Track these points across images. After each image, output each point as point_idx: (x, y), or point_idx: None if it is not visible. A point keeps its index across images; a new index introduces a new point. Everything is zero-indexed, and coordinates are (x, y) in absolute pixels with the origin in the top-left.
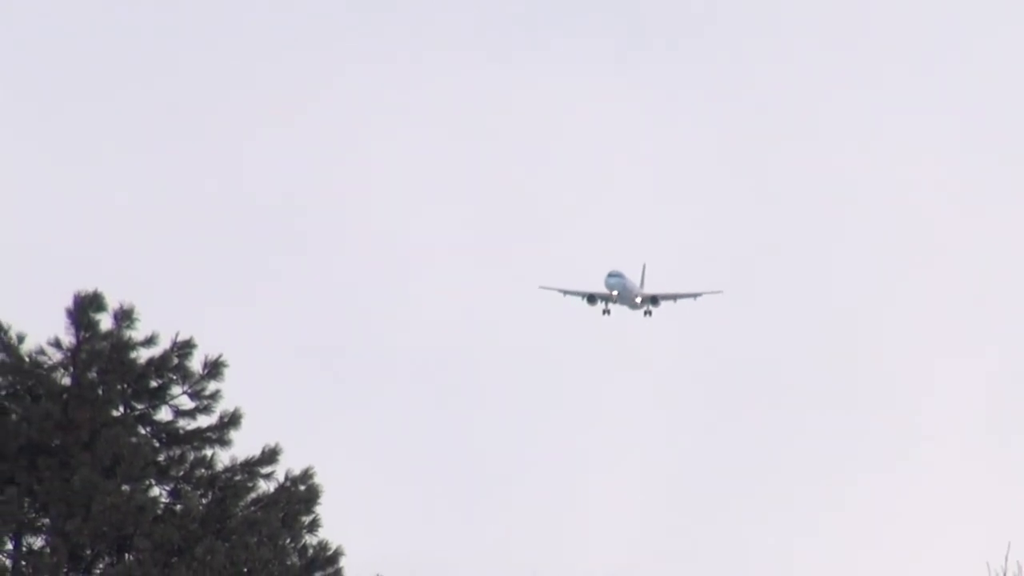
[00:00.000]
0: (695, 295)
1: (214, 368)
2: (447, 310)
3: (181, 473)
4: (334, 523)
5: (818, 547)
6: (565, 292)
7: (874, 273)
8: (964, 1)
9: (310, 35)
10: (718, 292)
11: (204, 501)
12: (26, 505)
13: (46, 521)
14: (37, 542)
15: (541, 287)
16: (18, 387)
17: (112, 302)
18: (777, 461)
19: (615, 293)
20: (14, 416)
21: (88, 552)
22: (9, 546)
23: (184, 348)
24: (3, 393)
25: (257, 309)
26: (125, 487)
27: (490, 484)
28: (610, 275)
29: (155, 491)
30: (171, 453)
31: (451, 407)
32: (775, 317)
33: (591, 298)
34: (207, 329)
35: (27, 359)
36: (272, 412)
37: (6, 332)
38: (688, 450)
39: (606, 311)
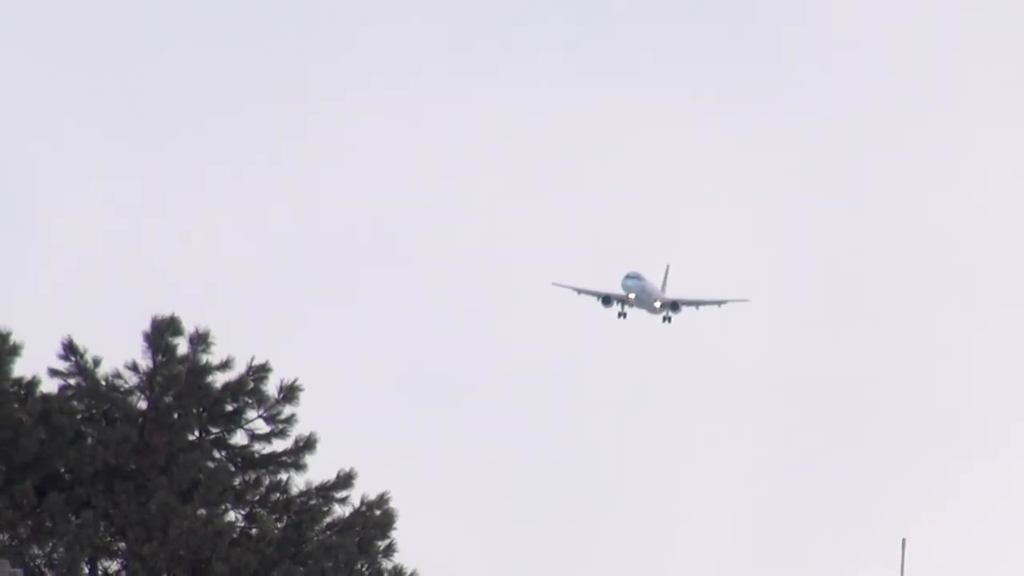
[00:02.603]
0: (720, 302)
1: (289, 392)
2: (522, 330)
3: (257, 497)
4: (410, 548)
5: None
6: (579, 291)
7: (935, 281)
8: None
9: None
10: (744, 300)
11: (280, 525)
12: (102, 529)
13: (122, 545)
14: (113, 566)
15: (554, 284)
16: (94, 411)
17: (188, 326)
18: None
19: (632, 296)
20: (90, 440)
21: None
22: (85, 570)
23: (260, 372)
24: (79, 417)
25: (332, 333)
26: (202, 511)
27: (570, 504)
28: (627, 276)
29: (231, 515)
30: (247, 477)
31: (528, 428)
32: (824, 327)
33: (606, 299)
34: (282, 353)
35: (104, 383)
36: (347, 437)
37: (82, 356)
38: (759, 464)
39: (622, 314)
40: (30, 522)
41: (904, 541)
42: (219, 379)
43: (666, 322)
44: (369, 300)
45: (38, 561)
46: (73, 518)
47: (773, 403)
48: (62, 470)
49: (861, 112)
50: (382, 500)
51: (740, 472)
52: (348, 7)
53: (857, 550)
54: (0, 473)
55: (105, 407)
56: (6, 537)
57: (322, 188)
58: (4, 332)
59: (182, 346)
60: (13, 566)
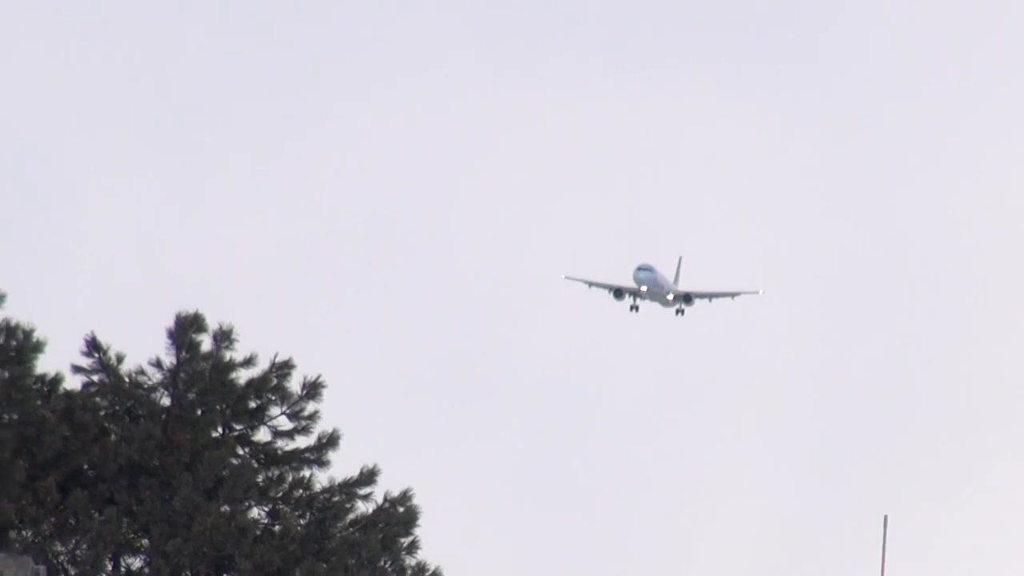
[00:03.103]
0: (732, 294)
1: (312, 389)
2: (546, 329)
3: (280, 494)
4: (433, 544)
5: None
6: (591, 284)
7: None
8: None
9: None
10: (755, 292)
11: (303, 522)
12: (125, 525)
13: (145, 542)
14: (136, 563)
15: (567, 277)
16: (118, 408)
17: (212, 323)
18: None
19: (644, 288)
20: (114, 437)
21: (188, 573)
22: (109, 567)
23: (283, 369)
24: (103, 414)
25: (354, 330)
26: (225, 508)
27: (591, 498)
28: (639, 268)
29: (254, 512)
30: (270, 474)
31: (548, 423)
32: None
33: (618, 292)
34: (306, 350)
35: (127, 379)
36: (370, 433)
37: (106, 352)
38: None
39: (634, 307)
40: (53, 519)
41: (886, 518)
42: (242, 376)
43: (679, 315)
44: (389, 296)
45: (61, 558)
46: (96, 515)
47: (776, 391)
48: (85, 467)
49: (876, 104)
50: (405, 497)
51: (731, 456)
52: (369, 3)
53: (839, 527)
54: (23, 470)
55: (129, 404)
56: (29, 534)
57: (344, 185)
58: (28, 329)
59: (206, 343)
60: (36, 563)
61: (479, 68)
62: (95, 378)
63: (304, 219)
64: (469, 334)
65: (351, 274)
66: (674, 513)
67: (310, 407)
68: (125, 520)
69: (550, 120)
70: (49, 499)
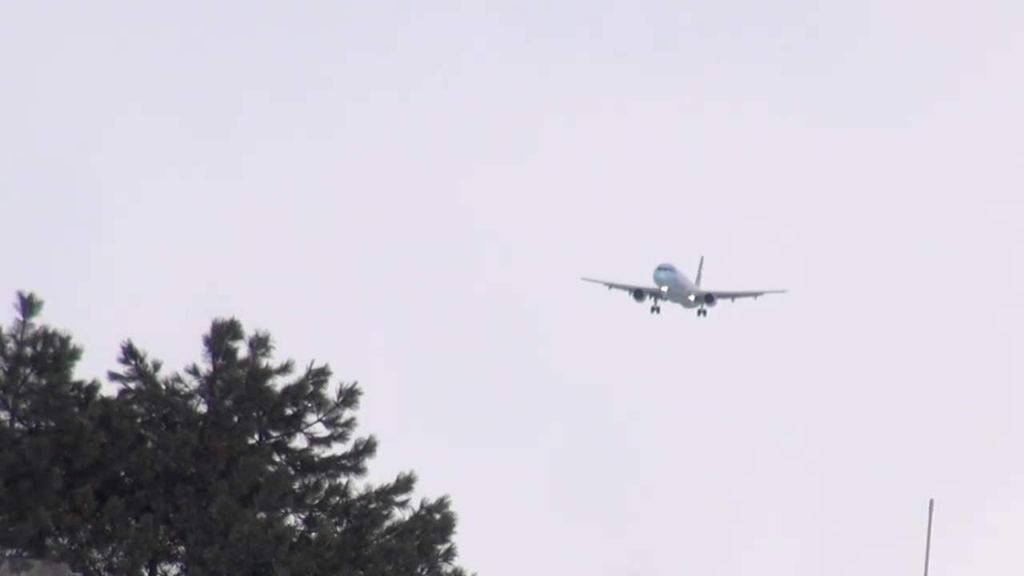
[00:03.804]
0: (756, 294)
1: (349, 396)
2: (572, 332)
3: (316, 501)
4: (470, 551)
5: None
6: (611, 285)
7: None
8: None
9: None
10: (782, 292)
11: (340, 529)
12: (162, 533)
13: (182, 549)
14: (173, 570)
15: (584, 279)
16: (154, 415)
17: (248, 330)
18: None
19: (665, 289)
20: (150, 444)
21: None
22: (145, 574)
23: (319, 376)
24: (140, 421)
25: (389, 336)
26: (262, 515)
27: (632, 505)
28: (659, 268)
29: (291, 519)
30: (306, 481)
31: (583, 430)
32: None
33: (638, 293)
34: (342, 357)
35: (164, 387)
36: (407, 440)
37: (143, 359)
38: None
39: (655, 308)
40: (90, 526)
41: (932, 503)
42: (279, 383)
43: (701, 316)
44: (421, 301)
45: (98, 565)
46: (133, 522)
47: (809, 384)
48: (122, 474)
49: (901, 101)
50: (442, 504)
51: (767, 449)
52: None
53: (884, 512)
54: (60, 477)
55: (165, 411)
56: (66, 541)
57: (375, 191)
58: (64, 336)
59: (242, 350)
60: (73, 570)
61: (494, 67)
62: (132, 385)
63: (341, 225)
64: (501, 339)
65: (385, 280)
66: (715, 509)
67: (346, 414)
68: (162, 527)
69: (568, 119)
70: (86, 506)
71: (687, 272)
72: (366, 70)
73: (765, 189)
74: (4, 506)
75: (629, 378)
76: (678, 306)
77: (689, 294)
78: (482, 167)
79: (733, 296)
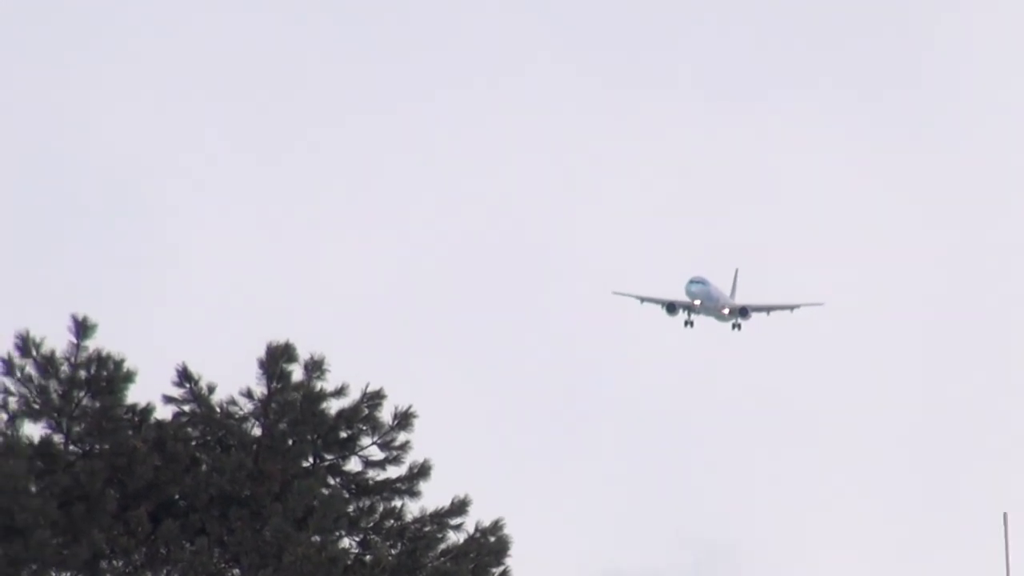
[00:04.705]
0: (792, 307)
1: (404, 419)
2: (613, 348)
3: (371, 524)
4: (524, 574)
5: None
6: (643, 299)
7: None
8: None
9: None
10: (818, 304)
11: (394, 552)
12: (217, 556)
13: (236, 572)
14: None
15: (615, 292)
16: (209, 438)
17: (303, 353)
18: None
19: (698, 303)
20: (205, 466)
21: None
22: None
23: (374, 399)
24: (194, 444)
25: (445, 359)
26: (316, 538)
27: (690, 522)
28: (692, 281)
29: (345, 542)
30: (361, 504)
31: (631, 449)
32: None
33: (671, 307)
34: (396, 380)
35: (218, 409)
36: (461, 463)
37: (197, 382)
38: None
39: (688, 322)
40: (145, 549)
41: (1006, 515)
42: (333, 406)
43: (735, 329)
44: (475, 323)
45: None
46: (188, 545)
47: (867, 398)
48: (176, 497)
49: (940, 111)
50: (496, 527)
51: (832, 464)
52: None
53: (959, 525)
54: (115, 500)
55: (220, 434)
56: (121, 564)
57: (424, 215)
58: (119, 359)
59: (297, 373)
60: None
61: (526, 81)
62: (186, 408)
63: (390, 249)
64: (550, 361)
65: (437, 303)
66: (785, 523)
67: (401, 437)
68: (216, 550)
69: (607, 135)
70: (140, 529)
71: (721, 285)
72: (420, 96)
73: (803, 203)
74: (58, 529)
75: (680, 395)
76: (712, 320)
77: (723, 307)
78: (531, 188)
79: (768, 309)
